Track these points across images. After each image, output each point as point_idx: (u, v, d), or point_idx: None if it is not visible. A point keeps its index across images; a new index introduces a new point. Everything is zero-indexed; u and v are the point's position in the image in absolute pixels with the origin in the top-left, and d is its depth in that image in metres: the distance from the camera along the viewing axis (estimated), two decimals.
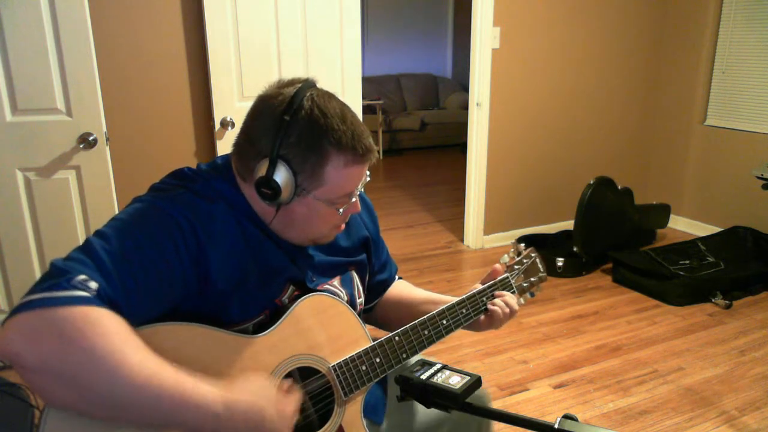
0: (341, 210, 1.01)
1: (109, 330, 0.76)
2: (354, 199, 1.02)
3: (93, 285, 0.78)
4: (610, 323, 2.92)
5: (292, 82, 0.98)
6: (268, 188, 0.94)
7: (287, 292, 1.04)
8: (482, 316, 1.20)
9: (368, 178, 1.04)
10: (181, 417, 0.80)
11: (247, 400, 0.86)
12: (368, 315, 1.33)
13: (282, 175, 0.93)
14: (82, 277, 0.78)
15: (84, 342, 0.74)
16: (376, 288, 1.29)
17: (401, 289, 1.34)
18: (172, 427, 0.81)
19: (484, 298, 1.21)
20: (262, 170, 0.94)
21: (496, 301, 1.20)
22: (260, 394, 0.88)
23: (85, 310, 0.76)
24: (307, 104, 0.94)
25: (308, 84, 0.97)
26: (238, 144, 1.00)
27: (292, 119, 0.93)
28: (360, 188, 1.03)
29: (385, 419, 1.19)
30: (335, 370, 1.03)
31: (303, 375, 1.01)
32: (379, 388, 1.20)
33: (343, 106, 0.98)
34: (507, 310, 1.19)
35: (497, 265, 1.25)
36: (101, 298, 0.79)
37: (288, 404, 0.91)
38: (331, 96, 0.98)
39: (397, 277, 1.36)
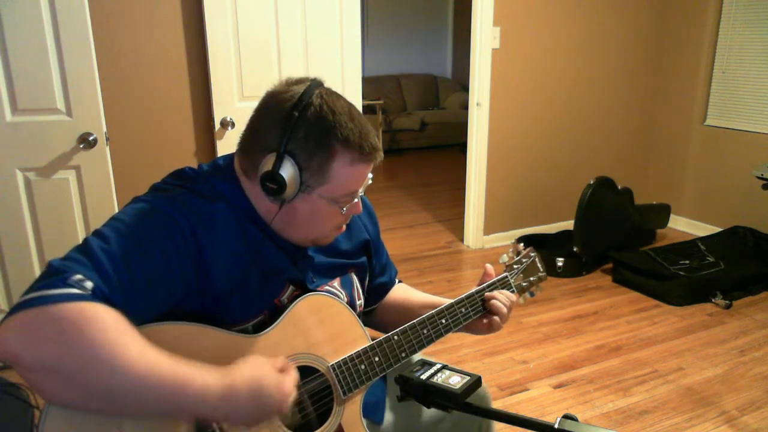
0: (344, 209, 1.01)
1: (106, 324, 0.76)
2: (356, 200, 1.03)
3: (88, 284, 0.78)
4: (610, 323, 2.92)
5: (300, 81, 0.99)
6: (274, 183, 0.94)
7: (287, 292, 1.04)
8: (483, 320, 1.20)
9: (371, 181, 1.05)
10: (184, 404, 0.80)
11: (245, 374, 0.85)
12: (368, 318, 1.32)
13: (288, 170, 0.94)
14: (78, 276, 0.78)
15: (81, 337, 0.74)
16: (376, 291, 1.29)
17: (402, 292, 1.34)
18: (176, 415, 0.82)
19: (483, 298, 1.21)
20: (268, 165, 0.94)
21: (494, 303, 1.19)
22: (257, 366, 0.87)
23: (81, 306, 0.76)
24: (317, 101, 0.95)
25: (317, 83, 0.98)
26: (244, 139, 1.00)
27: (300, 115, 0.94)
28: (362, 190, 1.03)
29: (385, 419, 1.19)
30: (334, 369, 1.03)
31: (302, 374, 1.01)
32: (379, 388, 1.20)
33: (351, 106, 0.99)
34: (504, 310, 1.18)
35: (488, 266, 1.25)
36: (97, 297, 0.79)
37: (285, 381, 0.89)
38: (339, 95, 0.99)
39: (397, 280, 1.36)
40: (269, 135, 0.95)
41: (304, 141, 0.94)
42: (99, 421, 0.80)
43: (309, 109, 0.94)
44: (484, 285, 1.22)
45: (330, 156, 0.95)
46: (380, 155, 1.01)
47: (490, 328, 1.20)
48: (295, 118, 0.93)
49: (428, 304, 1.25)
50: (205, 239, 0.92)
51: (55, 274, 0.78)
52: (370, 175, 1.04)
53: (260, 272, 0.99)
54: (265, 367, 0.88)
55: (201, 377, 0.81)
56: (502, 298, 1.19)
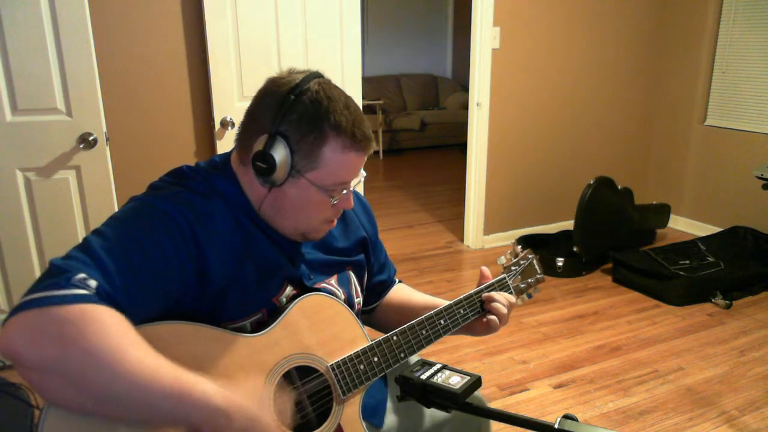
0: (334, 200, 1.01)
1: (109, 328, 0.76)
2: (346, 192, 1.02)
3: (92, 283, 0.79)
4: (610, 323, 2.92)
5: (302, 71, 1.01)
6: (264, 162, 0.94)
7: (285, 290, 1.04)
8: (482, 321, 1.20)
9: (363, 177, 1.04)
10: (182, 413, 0.80)
11: (245, 396, 0.86)
12: (369, 317, 1.32)
13: (279, 151, 0.94)
14: (82, 275, 0.78)
15: (83, 340, 0.74)
16: (375, 289, 1.29)
17: (403, 293, 1.33)
18: (174, 423, 0.81)
19: (481, 299, 1.20)
20: (259, 145, 0.95)
21: (494, 305, 1.18)
22: (263, 407, 0.88)
23: (84, 308, 0.76)
24: (314, 87, 0.96)
25: (317, 74, 1.00)
26: (242, 128, 1.01)
27: (296, 98, 0.95)
28: (354, 184, 1.03)
29: (386, 422, 1.19)
30: (333, 369, 1.03)
31: (301, 374, 1.01)
32: (380, 391, 1.20)
33: (347, 97, 1.00)
34: (504, 311, 1.18)
35: (483, 268, 1.25)
36: (100, 297, 0.79)
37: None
38: (337, 87, 1.01)
39: (396, 279, 1.36)
40: (264, 117, 0.96)
41: (297, 123, 0.94)
42: (99, 423, 0.80)
43: (305, 93, 0.95)
44: (483, 286, 1.22)
45: (321, 140, 0.95)
46: (372, 146, 1.01)
47: (489, 329, 1.20)
48: (290, 101, 0.94)
49: (429, 305, 1.24)
50: (202, 235, 0.92)
51: (58, 273, 0.78)
52: (363, 173, 1.04)
53: (255, 267, 0.99)
54: (269, 415, 0.88)
55: (201, 387, 0.81)
56: (501, 299, 1.19)
